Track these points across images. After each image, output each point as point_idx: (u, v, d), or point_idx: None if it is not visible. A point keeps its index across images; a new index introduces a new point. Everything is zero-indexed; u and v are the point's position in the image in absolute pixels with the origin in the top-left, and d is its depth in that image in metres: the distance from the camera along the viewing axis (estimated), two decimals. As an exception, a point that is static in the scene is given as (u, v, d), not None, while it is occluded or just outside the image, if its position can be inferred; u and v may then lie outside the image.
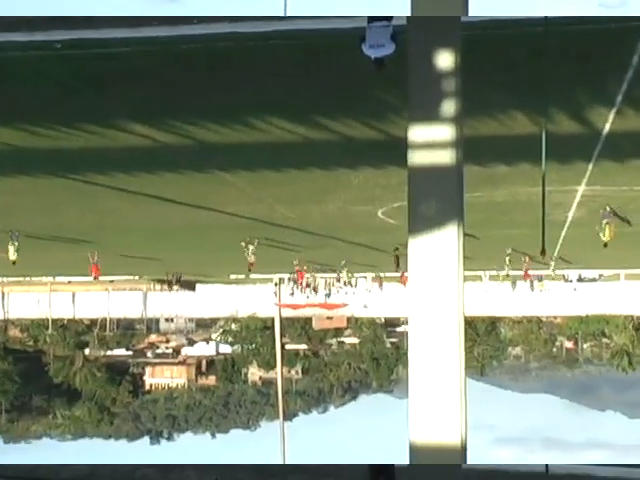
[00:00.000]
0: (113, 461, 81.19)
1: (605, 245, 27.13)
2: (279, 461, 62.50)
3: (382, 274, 60.73)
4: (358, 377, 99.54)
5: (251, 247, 34.51)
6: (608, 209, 25.72)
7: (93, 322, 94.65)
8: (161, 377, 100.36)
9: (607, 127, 15.82)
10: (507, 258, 41.51)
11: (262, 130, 15.72)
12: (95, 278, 41.25)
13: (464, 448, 7.43)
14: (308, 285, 60.87)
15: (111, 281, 76.22)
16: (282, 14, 11.32)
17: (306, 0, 11.48)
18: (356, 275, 60.61)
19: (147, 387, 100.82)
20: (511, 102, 14.05)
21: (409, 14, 7.81)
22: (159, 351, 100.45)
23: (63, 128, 15.58)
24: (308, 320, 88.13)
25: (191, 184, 21.75)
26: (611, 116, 15.12)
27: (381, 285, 63.36)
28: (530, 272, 48.71)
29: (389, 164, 18.57)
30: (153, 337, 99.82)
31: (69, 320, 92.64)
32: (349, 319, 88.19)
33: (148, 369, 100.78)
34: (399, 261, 38.71)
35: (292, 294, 65.99)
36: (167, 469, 21.32)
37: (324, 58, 11.69)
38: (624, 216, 26.79)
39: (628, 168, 19.95)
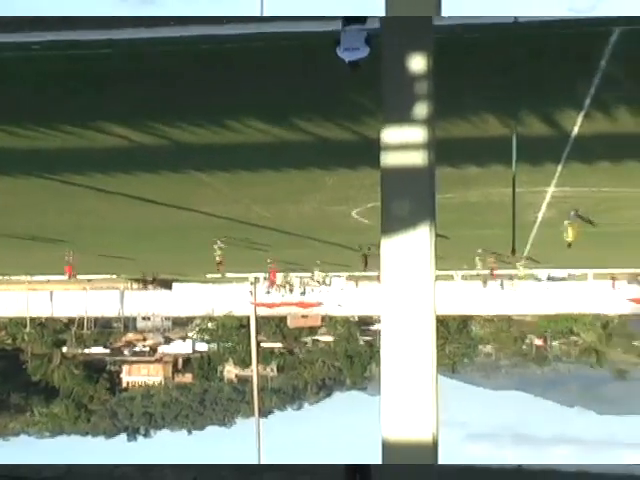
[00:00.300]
0: (90, 458, 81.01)
1: (569, 245, 27.31)
2: (255, 457, 62.49)
3: (358, 273, 60.78)
4: (332, 375, 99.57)
5: (217, 246, 34.24)
6: (573, 212, 25.95)
7: (71, 320, 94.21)
8: (138, 375, 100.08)
9: (576, 130, 15.90)
10: (477, 258, 41.74)
11: (238, 131, 15.70)
12: (70, 277, 41.23)
13: (436, 445, 7.44)
14: (284, 285, 61.05)
15: (89, 280, 75.89)
16: (259, 14, 11.29)
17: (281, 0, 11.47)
18: (331, 274, 60.74)
19: (124, 385, 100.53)
20: (483, 105, 14.09)
21: (383, 14, 7.79)
22: (136, 349, 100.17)
23: (41, 129, 15.53)
24: (283, 319, 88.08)
25: (168, 185, 21.71)
26: (579, 119, 15.19)
27: (357, 284, 63.57)
28: (499, 271, 48.84)
29: (363, 165, 18.59)
30: (130, 335, 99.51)
31: (47, 318, 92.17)
32: (323, 318, 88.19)
33: (125, 367, 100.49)
34: (367, 261, 39.02)
35: (268, 292, 65.96)
36: (146, 468, 21.21)
37: (300, 60, 11.68)
38: (587, 217, 26.94)
39: (596, 170, 20.05)
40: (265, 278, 59.46)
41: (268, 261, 48.13)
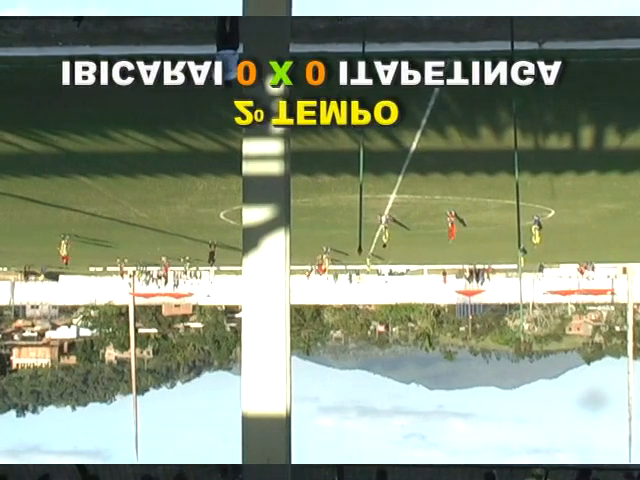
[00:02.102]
0: (-18, 432, 78.61)
1: (384, 246, 27.60)
2: (132, 428, 61.81)
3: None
4: (202, 357, 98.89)
5: (63, 242, 32.98)
6: (388, 216, 26.24)
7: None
8: (27, 357, 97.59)
9: (414, 145, 16.17)
10: (324, 255, 41.93)
11: (119, 141, 15.48)
12: None
13: (289, 417, 7.49)
14: (159, 277, 60.73)
15: (-19, 272, 73.83)
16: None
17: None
18: (200, 268, 60.67)
19: (14, 366, 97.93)
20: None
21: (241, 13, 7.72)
22: (25, 334, 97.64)
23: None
24: (158, 307, 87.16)
25: (55, 187, 21.26)
26: (417, 136, 15.46)
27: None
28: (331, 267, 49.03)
29: (229, 172, 18.54)
30: (20, 322, 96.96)
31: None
32: (194, 307, 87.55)
33: (15, 350, 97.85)
34: (214, 256, 39.08)
35: (147, 283, 65.32)
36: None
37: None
38: (400, 222, 27.40)
39: (430, 180, 20.45)
40: (142, 271, 58.98)
41: (163, 259, 48.28)
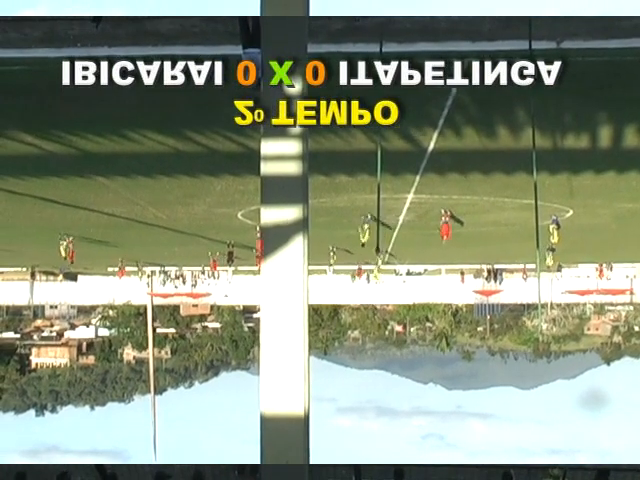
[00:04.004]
0: (1, 431, 79.03)
1: (362, 245, 27.22)
2: (150, 428, 61.97)
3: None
4: (219, 357, 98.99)
5: (64, 243, 32.67)
6: (369, 216, 25.98)
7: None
8: (46, 357, 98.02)
9: (431, 145, 16.16)
10: (332, 254, 41.85)
11: (137, 141, 15.53)
12: None
13: (307, 417, 7.48)
14: (177, 277, 60.93)
15: (0, 272, 74.11)
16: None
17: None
18: (218, 268, 60.63)
19: (33, 366, 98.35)
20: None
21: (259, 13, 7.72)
22: (44, 334, 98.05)
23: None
24: (176, 307, 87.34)
25: (74, 188, 21.35)
26: (435, 136, 15.45)
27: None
28: (364, 267, 49.14)
29: (247, 173, 18.58)
30: (39, 322, 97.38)
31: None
32: (212, 307, 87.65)
33: (34, 350, 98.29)
34: (232, 257, 38.98)
35: (165, 283, 65.52)
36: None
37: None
38: (384, 221, 27.20)
39: (447, 180, 20.44)
40: (160, 272, 59.24)
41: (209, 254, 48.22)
